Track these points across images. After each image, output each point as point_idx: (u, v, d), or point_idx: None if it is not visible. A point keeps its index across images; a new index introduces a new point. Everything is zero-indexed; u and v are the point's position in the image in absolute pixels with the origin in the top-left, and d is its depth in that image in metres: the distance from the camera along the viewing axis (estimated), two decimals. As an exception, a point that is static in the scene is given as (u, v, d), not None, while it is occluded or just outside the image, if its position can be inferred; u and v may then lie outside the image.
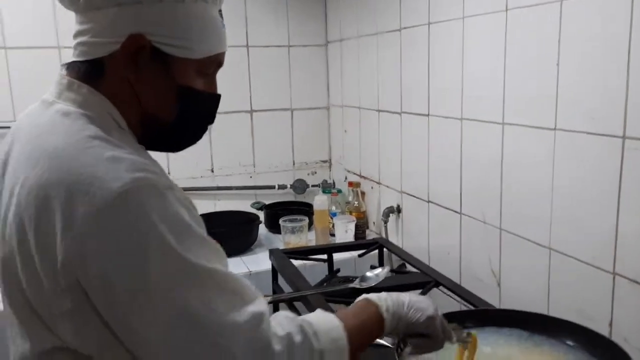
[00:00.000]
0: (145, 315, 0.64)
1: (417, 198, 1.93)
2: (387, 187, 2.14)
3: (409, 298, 0.90)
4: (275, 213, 2.33)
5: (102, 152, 0.68)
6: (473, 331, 1.01)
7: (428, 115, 1.80)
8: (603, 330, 1.14)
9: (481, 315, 1.13)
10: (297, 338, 0.71)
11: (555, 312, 1.27)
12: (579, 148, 1.23)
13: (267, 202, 2.49)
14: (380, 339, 0.87)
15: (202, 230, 0.71)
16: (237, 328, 0.66)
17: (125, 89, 0.76)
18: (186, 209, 0.69)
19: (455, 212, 1.71)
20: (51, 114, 0.74)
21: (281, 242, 2.16)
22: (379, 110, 2.15)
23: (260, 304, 0.70)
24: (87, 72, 0.76)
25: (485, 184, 1.56)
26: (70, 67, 0.78)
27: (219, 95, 0.85)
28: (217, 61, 0.82)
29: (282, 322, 0.72)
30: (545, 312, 1.31)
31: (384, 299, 0.87)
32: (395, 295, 0.89)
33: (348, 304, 1.45)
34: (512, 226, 1.48)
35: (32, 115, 0.78)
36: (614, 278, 1.17)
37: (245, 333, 0.66)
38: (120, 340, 0.67)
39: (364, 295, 0.89)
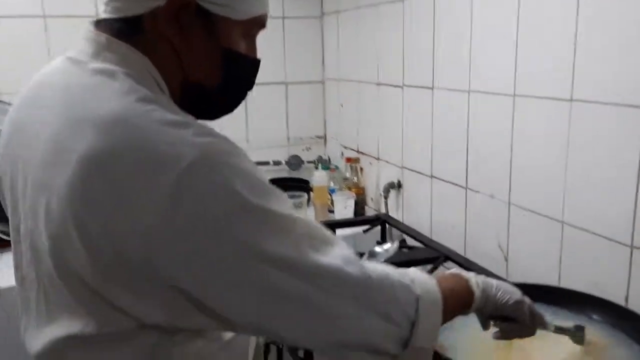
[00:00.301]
0: (242, 277, 0.62)
1: (420, 173, 1.90)
2: (387, 162, 2.11)
3: (497, 281, 0.87)
4: (271, 189, 2.29)
5: (162, 116, 0.63)
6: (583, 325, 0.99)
7: (432, 88, 1.77)
8: (619, 304, 1.14)
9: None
10: (395, 276, 0.71)
11: (568, 287, 1.26)
12: (597, 119, 1.21)
13: (261, 179, 2.44)
14: (467, 314, 0.83)
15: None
16: (333, 268, 0.65)
17: (166, 49, 0.71)
18: (255, 168, 0.66)
19: (461, 187, 1.69)
20: (90, 75, 0.68)
21: (279, 218, 2.11)
22: (378, 84, 2.10)
23: (345, 246, 0.69)
24: (123, 30, 0.70)
25: (494, 158, 1.53)
26: (102, 24, 0.72)
27: (260, 60, 0.82)
28: (260, 22, 0.78)
29: (376, 266, 0.72)
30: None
31: (473, 276, 0.84)
32: (481, 276, 0.86)
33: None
34: (522, 200, 1.46)
35: (57, 77, 0.72)
36: (631, 252, 1.16)
37: (342, 272, 0.65)
38: (200, 309, 0.64)
39: (451, 271, 0.87)
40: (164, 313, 0.64)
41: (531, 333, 0.90)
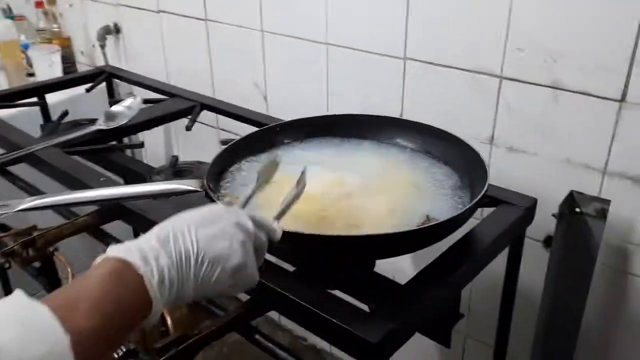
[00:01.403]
0: None
1: (143, 9, 1.53)
2: (95, 1, 1.66)
3: (195, 236, 0.51)
4: None
5: None
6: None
7: None
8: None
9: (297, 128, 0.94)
10: None
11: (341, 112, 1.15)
12: None
13: None
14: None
15: None
16: None
17: None
18: None
19: (199, 19, 1.40)
20: None
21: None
22: None
23: None
24: None
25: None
26: None
27: None
28: None
29: None
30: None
31: (152, 256, 0.49)
32: (167, 235, 0.51)
33: (96, 152, 1.10)
34: (276, 26, 1.26)
35: None
36: (404, 64, 1.08)
37: None
38: None
39: (113, 250, 0.49)
40: None
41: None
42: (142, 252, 0.49)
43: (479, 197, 0.69)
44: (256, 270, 0.56)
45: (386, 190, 0.82)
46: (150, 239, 0.51)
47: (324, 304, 0.63)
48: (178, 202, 0.80)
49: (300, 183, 0.66)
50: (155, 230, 0.52)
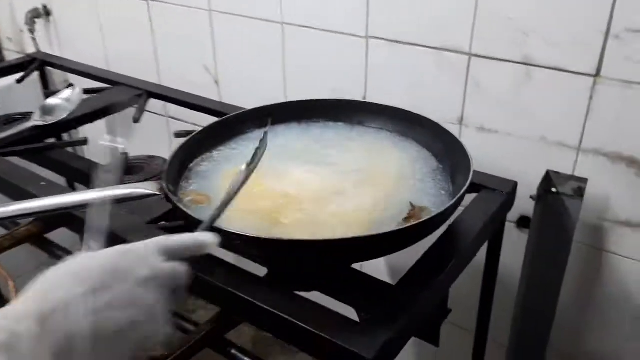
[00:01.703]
0: None
1: (75, -11, 1.40)
2: (20, -19, 1.51)
3: (89, 307, 0.38)
4: None
5: None
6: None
7: None
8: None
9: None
10: None
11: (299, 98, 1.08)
12: None
13: None
14: None
15: None
16: None
17: None
18: None
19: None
20: None
21: None
22: None
23: None
24: None
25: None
26: None
27: None
28: None
29: None
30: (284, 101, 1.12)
31: (25, 344, 0.34)
32: (50, 309, 0.36)
33: (34, 152, 0.99)
34: (225, 5, 1.17)
35: None
36: (367, 42, 1.02)
37: None
38: None
39: None
40: None
41: None
42: (11, 336, 0.33)
43: (465, 188, 0.64)
44: (167, 328, 0.43)
45: (365, 181, 0.76)
46: (26, 314, 0.35)
47: (307, 315, 0.57)
48: (132, 204, 0.72)
49: (253, 163, 0.58)
50: (34, 298, 0.37)
